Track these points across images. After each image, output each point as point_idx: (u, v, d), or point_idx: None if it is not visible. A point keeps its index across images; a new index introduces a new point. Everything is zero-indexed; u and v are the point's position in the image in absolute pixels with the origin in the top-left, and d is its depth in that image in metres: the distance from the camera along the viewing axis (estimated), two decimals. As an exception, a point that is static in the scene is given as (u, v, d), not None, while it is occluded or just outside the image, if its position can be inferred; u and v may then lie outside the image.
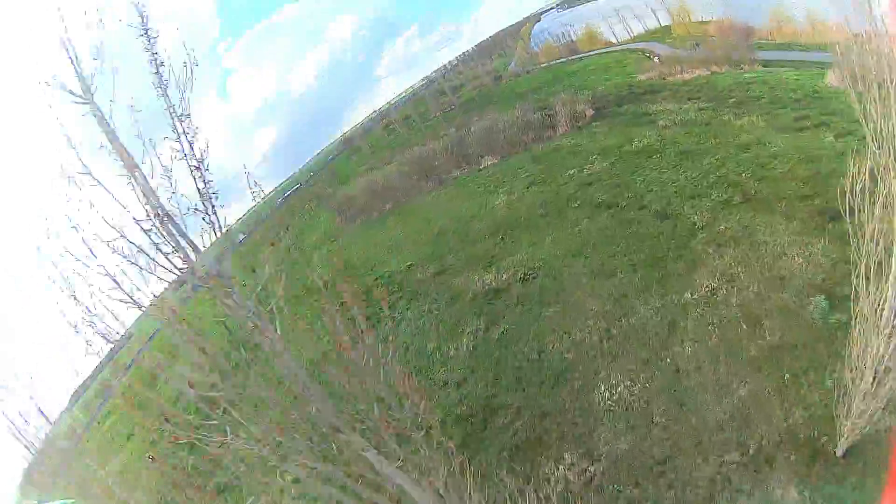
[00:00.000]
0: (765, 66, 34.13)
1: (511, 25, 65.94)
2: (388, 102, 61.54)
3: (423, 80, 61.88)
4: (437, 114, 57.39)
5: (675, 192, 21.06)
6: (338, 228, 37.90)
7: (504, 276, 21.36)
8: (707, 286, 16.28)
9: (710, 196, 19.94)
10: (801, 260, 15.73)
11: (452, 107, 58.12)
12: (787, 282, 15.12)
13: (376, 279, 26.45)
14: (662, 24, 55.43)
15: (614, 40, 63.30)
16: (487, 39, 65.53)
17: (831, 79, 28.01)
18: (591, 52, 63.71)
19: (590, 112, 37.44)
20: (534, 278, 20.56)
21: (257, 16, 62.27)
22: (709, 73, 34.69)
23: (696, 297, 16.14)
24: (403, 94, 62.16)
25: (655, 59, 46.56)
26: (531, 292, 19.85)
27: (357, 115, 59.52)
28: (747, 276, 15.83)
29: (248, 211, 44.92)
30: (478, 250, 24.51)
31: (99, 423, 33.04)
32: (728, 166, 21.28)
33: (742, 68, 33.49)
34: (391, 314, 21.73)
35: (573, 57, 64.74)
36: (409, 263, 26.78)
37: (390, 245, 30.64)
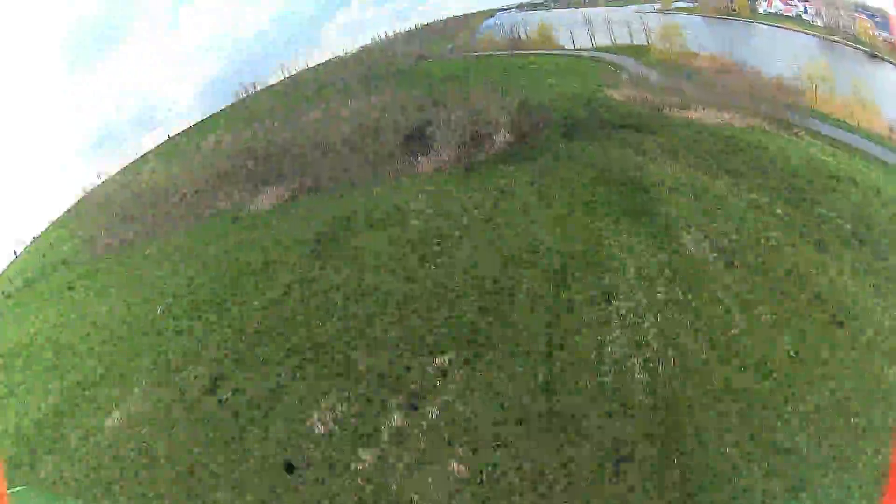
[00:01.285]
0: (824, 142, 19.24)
1: (466, 14, 56.31)
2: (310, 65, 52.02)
3: (361, 47, 53.52)
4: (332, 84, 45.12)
5: None
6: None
7: None
8: None
9: None
10: None
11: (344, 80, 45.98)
12: None
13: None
14: (635, 43, 44.08)
15: (571, 46, 48.33)
16: (439, 22, 56.59)
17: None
18: (540, 52, 49.45)
19: (508, 136, 20.47)
20: None
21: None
22: (738, 124, 18.72)
23: None
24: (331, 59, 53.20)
25: (624, 76, 35.81)
26: None
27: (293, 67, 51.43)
28: None
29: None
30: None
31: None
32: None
33: (797, 134, 17.95)
34: None
35: (516, 52, 49.76)
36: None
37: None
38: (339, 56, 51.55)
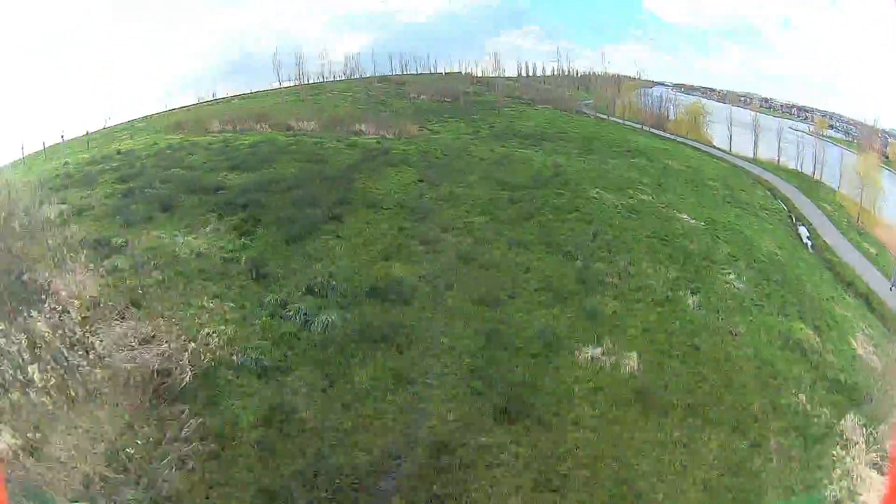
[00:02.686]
0: None
1: (621, 75, 52.36)
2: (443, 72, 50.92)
3: (514, 77, 51.78)
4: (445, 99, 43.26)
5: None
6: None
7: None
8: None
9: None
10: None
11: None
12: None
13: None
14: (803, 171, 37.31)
15: (725, 146, 42.80)
16: (588, 73, 53.55)
17: None
18: (685, 140, 44.03)
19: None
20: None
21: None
22: None
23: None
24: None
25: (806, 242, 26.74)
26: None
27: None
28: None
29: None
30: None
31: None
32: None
33: None
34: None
35: (655, 130, 44.31)
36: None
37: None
38: (458, 72, 50.23)
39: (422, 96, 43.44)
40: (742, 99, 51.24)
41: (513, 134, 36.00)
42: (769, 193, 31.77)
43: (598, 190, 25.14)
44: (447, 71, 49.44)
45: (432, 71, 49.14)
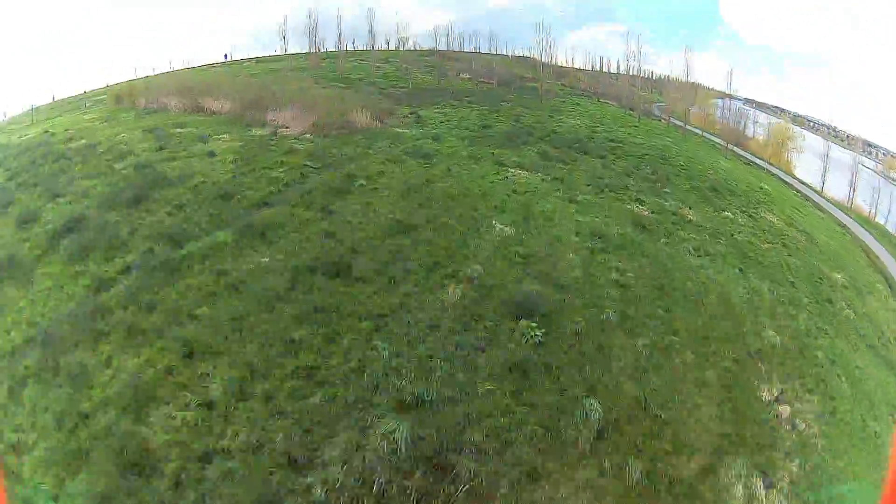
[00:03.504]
0: None
1: (695, 83, 48.65)
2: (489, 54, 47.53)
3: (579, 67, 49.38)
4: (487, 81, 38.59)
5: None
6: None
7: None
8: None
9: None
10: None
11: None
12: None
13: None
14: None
15: (814, 182, 40.18)
16: (663, 77, 50.35)
17: None
18: (771, 167, 40.17)
19: None
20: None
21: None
22: None
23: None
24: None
25: None
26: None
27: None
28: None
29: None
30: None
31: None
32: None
33: None
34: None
35: (727, 144, 40.51)
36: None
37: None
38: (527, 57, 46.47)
39: (462, 74, 38.96)
40: (812, 125, 49.27)
41: (542, 136, 26.35)
42: (890, 293, 22.60)
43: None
44: (514, 55, 45.80)
45: (498, 52, 45.00)
